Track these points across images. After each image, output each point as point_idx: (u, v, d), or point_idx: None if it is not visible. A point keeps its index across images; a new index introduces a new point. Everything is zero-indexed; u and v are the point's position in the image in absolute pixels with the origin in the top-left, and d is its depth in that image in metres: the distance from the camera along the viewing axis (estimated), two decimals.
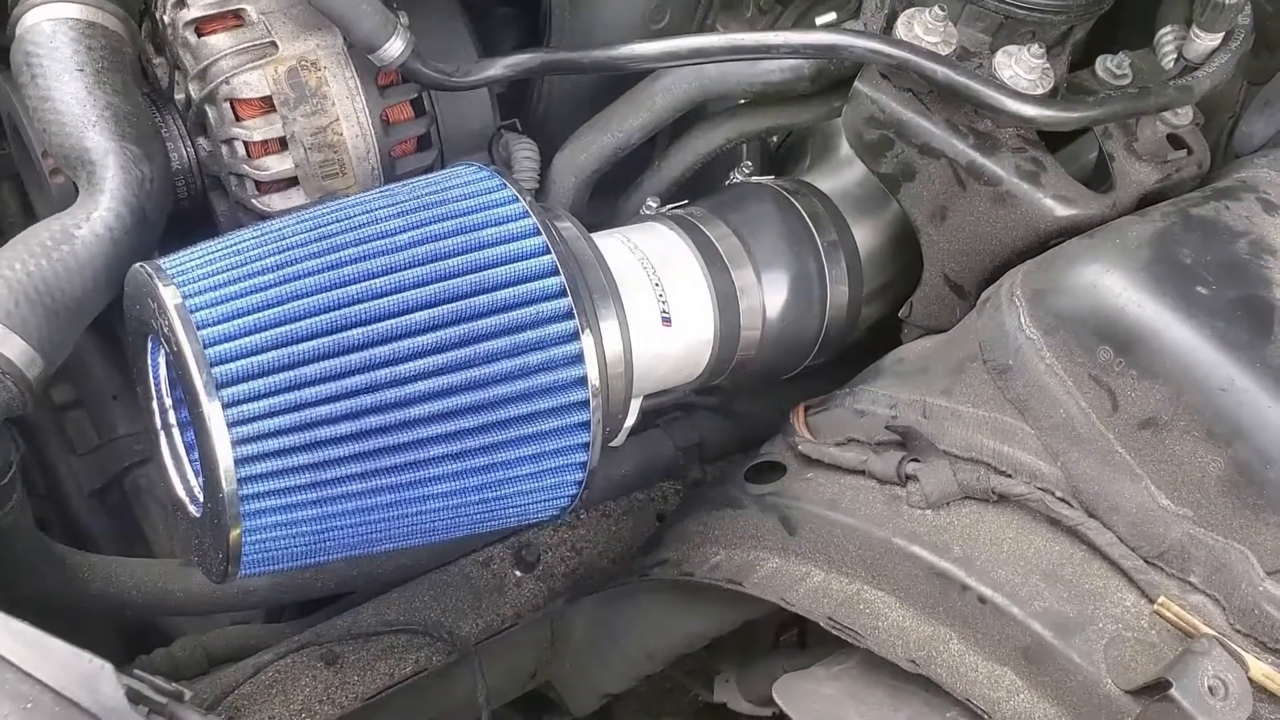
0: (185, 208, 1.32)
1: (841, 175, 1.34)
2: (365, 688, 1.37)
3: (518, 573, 1.48)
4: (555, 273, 1.04)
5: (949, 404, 1.13)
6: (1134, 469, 1.01)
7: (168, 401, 1.09)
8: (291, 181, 1.25)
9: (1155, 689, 0.91)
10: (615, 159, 1.34)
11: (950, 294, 1.21)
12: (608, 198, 1.47)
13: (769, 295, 1.25)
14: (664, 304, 1.18)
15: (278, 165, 1.24)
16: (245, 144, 1.23)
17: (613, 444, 1.26)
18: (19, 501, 1.16)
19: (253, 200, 1.25)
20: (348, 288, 0.98)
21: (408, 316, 0.99)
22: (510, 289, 1.02)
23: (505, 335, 1.01)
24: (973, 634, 1.04)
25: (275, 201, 1.26)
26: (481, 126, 1.36)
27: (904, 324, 1.30)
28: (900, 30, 1.10)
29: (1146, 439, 1.01)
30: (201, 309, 0.96)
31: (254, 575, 1.02)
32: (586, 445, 1.07)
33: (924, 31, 1.10)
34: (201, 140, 1.28)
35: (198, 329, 0.94)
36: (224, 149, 1.24)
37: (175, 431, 1.09)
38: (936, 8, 1.09)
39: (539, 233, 1.05)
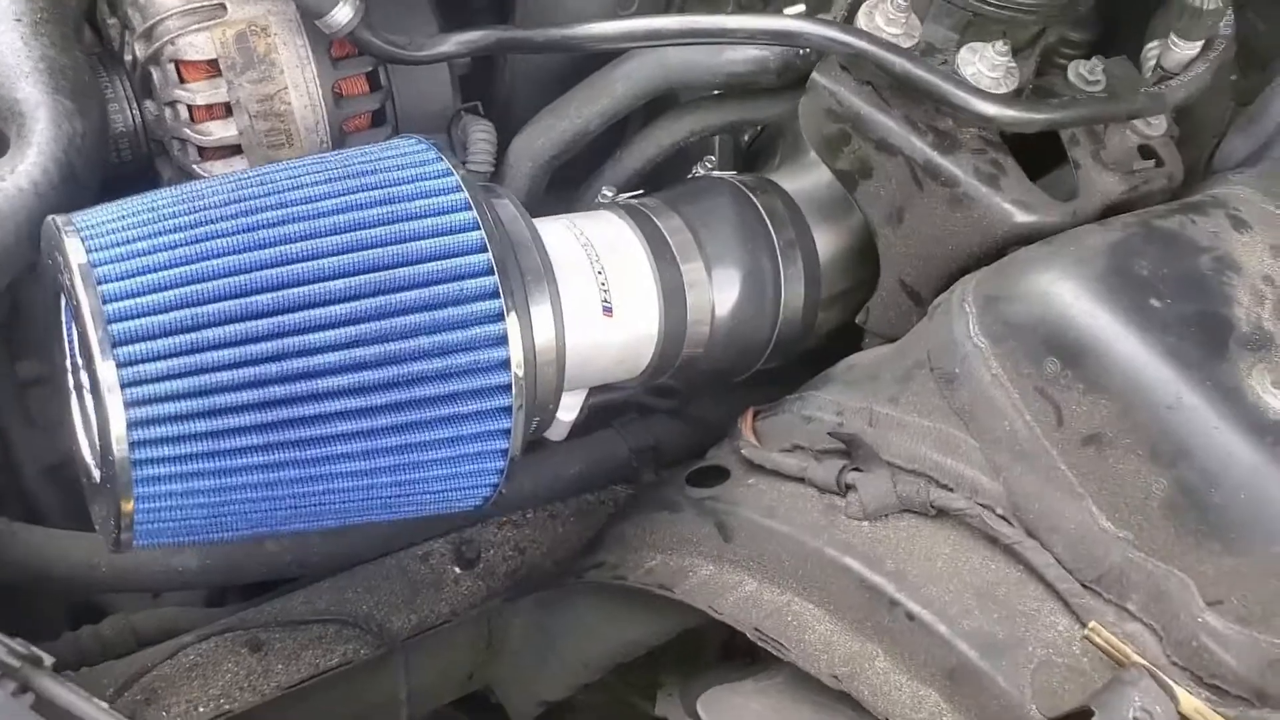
0: (131, 171, 1.28)
1: (808, 176, 1.29)
2: (289, 677, 1.32)
3: (456, 569, 1.43)
4: (483, 249, 1.00)
5: (895, 413, 1.08)
6: (1075, 487, 0.96)
7: (78, 361, 1.05)
8: (235, 149, 1.22)
9: (1078, 718, 0.86)
10: (575, 146, 1.30)
11: (907, 300, 1.17)
12: (571, 186, 1.43)
13: (719, 291, 1.20)
14: (605, 293, 1.14)
15: (221, 131, 1.20)
16: (189, 107, 1.19)
17: (552, 437, 1.23)
18: None
19: (194, 165, 1.22)
20: (261, 251, 0.94)
21: (322, 285, 0.95)
22: (434, 263, 0.98)
23: (425, 311, 0.97)
24: (900, 651, 0.99)
25: (217, 168, 1.22)
26: (440, 107, 1.32)
27: (866, 332, 1.25)
28: (861, 20, 1.06)
29: (1090, 456, 0.96)
30: (104, 264, 0.92)
31: (151, 545, 0.98)
32: (507, 432, 1.02)
33: (885, 22, 1.05)
34: (148, 103, 1.25)
35: (98, 284, 0.91)
36: (167, 111, 1.21)
37: (85, 393, 1.05)
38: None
39: (469, 207, 1.01)
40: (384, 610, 1.38)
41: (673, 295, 1.17)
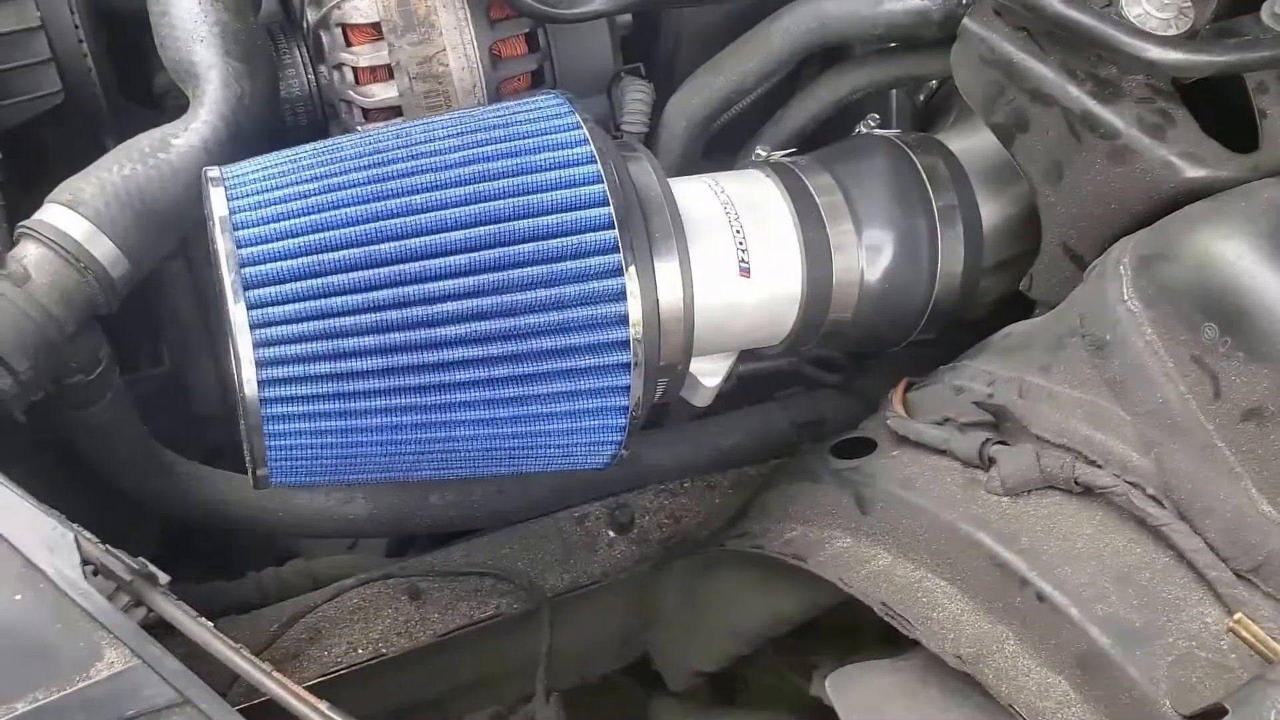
0: (306, 134, 1.34)
1: (977, 136, 1.22)
2: (444, 625, 1.36)
3: (611, 533, 1.44)
4: (604, 203, 0.99)
5: (1046, 383, 1.01)
6: (1233, 466, 0.87)
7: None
8: (396, 110, 1.25)
9: (1212, 716, 0.78)
10: (731, 104, 1.27)
11: (1070, 265, 1.09)
12: (732, 154, 1.40)
13: (869, 254, 1.15)
14: (743, 252, 1.11)
15: (382, 92, 1.24)
16: (353, 70, 1.24)
17: (696, 403, 1.21)
18: (114, 399, 1.21)
19: (358, 127, 1.26)
20: (387, 201, 0.97)
21: (444, 235, 0.96)
22: (553, 216, 0.98)
23: (543, 264, 0.97)
24: (1029, 635, 0.93)
25: None
26: (600, 67, 1.32)
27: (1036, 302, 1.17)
28: None
29: (1250, 432, 0.86)
30: (242, 211, 0.96)
31: (287, 483, 1.02)
32: (626, 388, 1.01)
33: None
34: (320, 68, 1.30)
35: (234, 230, 0.95)
36: (335, 75, 1.26)
37: None
38: None
39: (593, 160, 1.00)
40: (538, 568, 1.40)
41: (817, 257, 1.13)
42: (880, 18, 1.17)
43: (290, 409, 0.95)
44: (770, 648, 1.44)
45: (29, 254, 1.08)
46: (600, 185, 0.99)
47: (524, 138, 1.01)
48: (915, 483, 1.06)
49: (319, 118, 1.33)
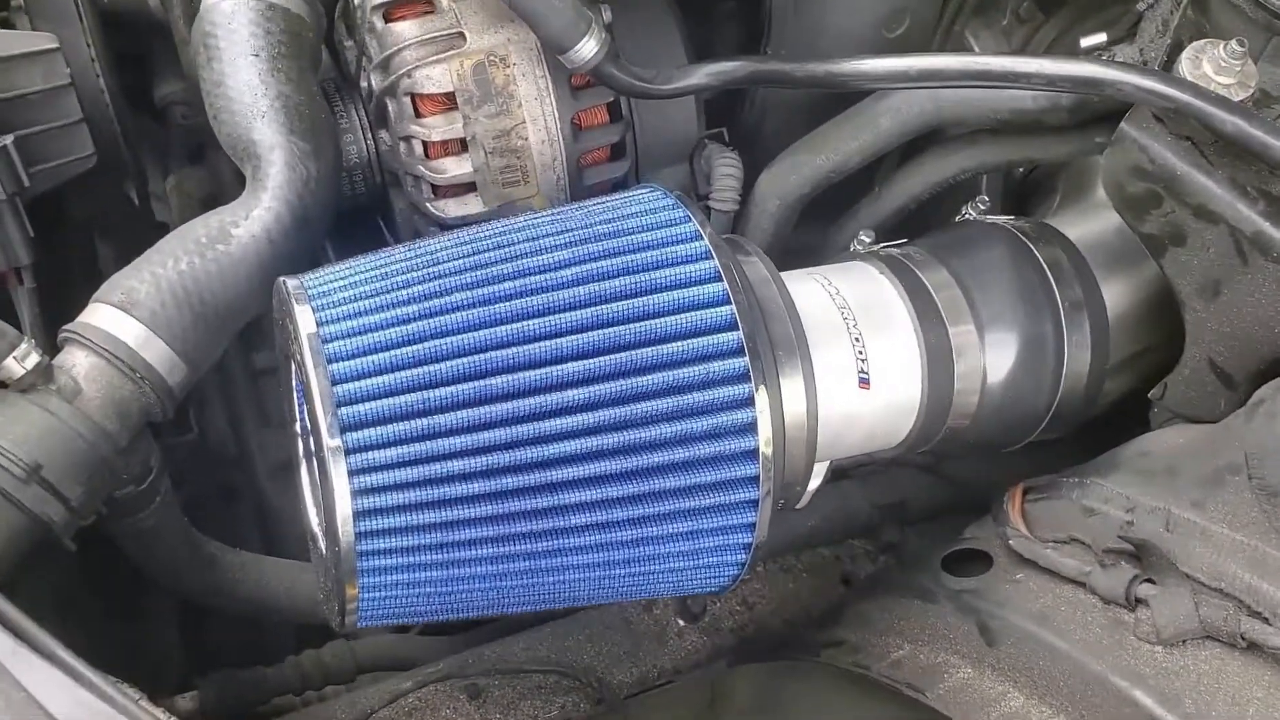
0: (365, 203, 1.24)
1: (1095, 221, 1.14)
2: None
3: (681, 622, 1.35)
4: (733, 327, 0.90)
5: (1200, 519, 0.94)
6: None
7: (307, 430, 1.01)
8: (469, 187, 1.15)
9: None
10: (828, 183, 1.18)
11: (1215, 381, 1.01)
12: (820, 220, 1.31)
13: (992, 358, 1.07)
14: (863, 362, 1.02)
15: (455, 169, 1.14)
16: (424, 143, 1.13)
17: (795, 506, 1.13)
18: (161, 504, 1.11)
19: (427, 204, 1.16)
20: (497, 328, 0.87)
21: (560, 366, 0.87)
22: (679, 343, 0.89)
23: (668, 395, 0.88)
24: None
25: (450, 207, 1.16)
26: (684, 136, 1.22)
27: (1155, 405, 1.10)
28: (1184, 67, 0.90)
29: None
30: (336, 339, 0.86)
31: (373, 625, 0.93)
32: (752, 526, 0.93)
33: (1215, 70, 0.89)
34: (383, 133, 1.19)
35: (328, 363, 0.85)
36: (401, 146, 1.15)
37: (313, 460, 1.01)
38: (1234, 42, 0.88)
39: (720, 278, 0.91)
40: (605, 662, 1.32)
41: (938, 362, 1.05)
42: (1004, 102, 1.08)
43: (387, 561, 0.86)
44: None
45: (78, 363, 0.97)
46: (728, 307, 0.90)
47: (640, 250, 0.92)
48: (1052, 618, 0.99)
49: (377, 184, 1.23)
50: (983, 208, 1.16)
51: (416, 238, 1.19)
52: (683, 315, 0.89)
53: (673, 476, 0.89)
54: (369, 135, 1.20)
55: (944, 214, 1.22)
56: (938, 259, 1.09)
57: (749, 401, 0.89)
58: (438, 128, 1.12)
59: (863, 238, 1.14)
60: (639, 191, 1.00)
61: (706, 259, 0.92)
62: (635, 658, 1.33)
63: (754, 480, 0.91)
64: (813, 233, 1.31)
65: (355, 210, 1.24)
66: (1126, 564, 0.97)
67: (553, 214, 0.97)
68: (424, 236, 1.18)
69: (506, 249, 0.92)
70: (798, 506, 1.12)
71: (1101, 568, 0.98)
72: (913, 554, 1.38)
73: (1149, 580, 0.95)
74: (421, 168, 1.14)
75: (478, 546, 0.87)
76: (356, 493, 0.84)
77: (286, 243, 1.05)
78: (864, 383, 1.02)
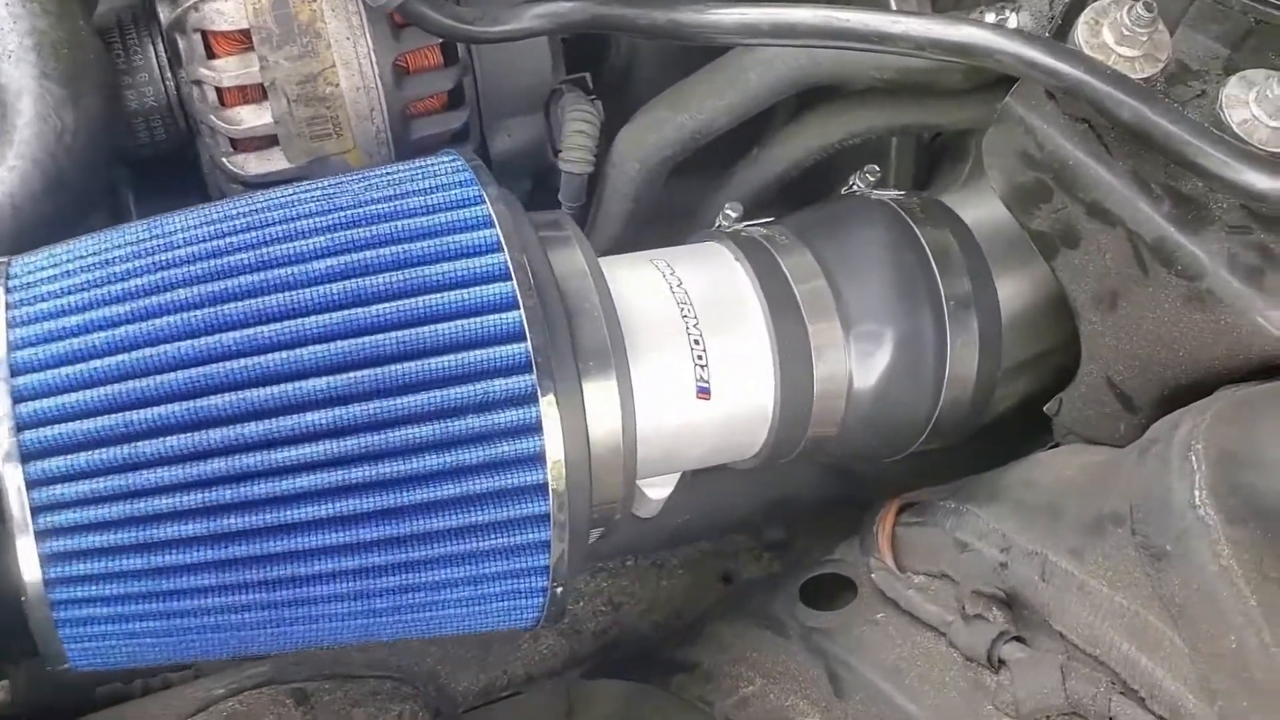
0: (168, 151, 1.08)
1: (996, 202, 0.98)
2: None
3: None
4: (519, 337, 0.74)
5: (1079, 571, 0.80)
6: None
7: None
8: (272, 140, 0.99)
9: None
10: (695, 145, 1.02)
11: (1114, 402, 0.86)
12: (703, 178, 1.14)
13: (859, 360, 0.92)
14: (703, 368, 0.87)
15: (253, 119, 0.98)
16: (216, 89, 0.97)
17: (641, 514, 0.99)
18: None
19: (224, 159, 1.00)
20: (225, 335, 0.72)
21: (300, 383, 0.72)
22: (451, 356, 0.74)
23: (436, 420, 0.73)
24: None
25: (251, 163, 1.00)
26: (535, 82, 1.05)
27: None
28: (1081, 34, 0.73)
29: None
30: (27, 346, 0.71)
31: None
32: (546, 570, 0.79)
33: (1116, 39, 0.73)
34: (182, 72, 1.03)
35: (12, 375, 0.70)
36: (194, 91, 0.99)
37: None
38: (1141, 5, 0.71)
39: (508, 275, 0.75)
40: (449, 666, 1.19)
41: (794, 365, 0.90)
42: (889, 61, 0.91)
43: (90, 611, 0.72)
44: None
45: None
46: (514, 313, 0.75)
47: (415, 238, 0.76)
48: (906, 675, 0.85)
49: (181, 131, 1.06)
50: (871, 179, 0.99)
51: (222, 197, 1.04)
52: (458, 322, 0.74)
53: (442, 516, 0.74)
54: (168, 75, 1.04)
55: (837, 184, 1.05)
56: (804, 242, 0.93)
57: (534, 427, 0.74)
58: (230, 71, 0.96)
59: (728, 212, 0.98)
60: (434, 161, 0.84)
61: (494, 251, 0.76)
62: (484, 662, 1.20)
63: (544, 519, 0.76)
64: (697, 190, 1.15)
65: (159, 161, 1.08)
66: (997, 612, 0.83)
67: (325, 186, 0.81)
68: (227, 196, 1.03)
69: (253, 233, 0.76)
70: (646, 517, 0.99)
71: (964, 620, 0.84)
72: (800, 554, 1.24)
73: (1017, 638, 0.82)
74: (214, 117, 0.98)
75: (201, 596, 0.73)
76: (42, 533, 0.69)
77: (35, 208, 0.89)
78: (703, 392, 0.87)
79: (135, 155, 1.07)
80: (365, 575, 0.75)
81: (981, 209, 0.97)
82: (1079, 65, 0.70)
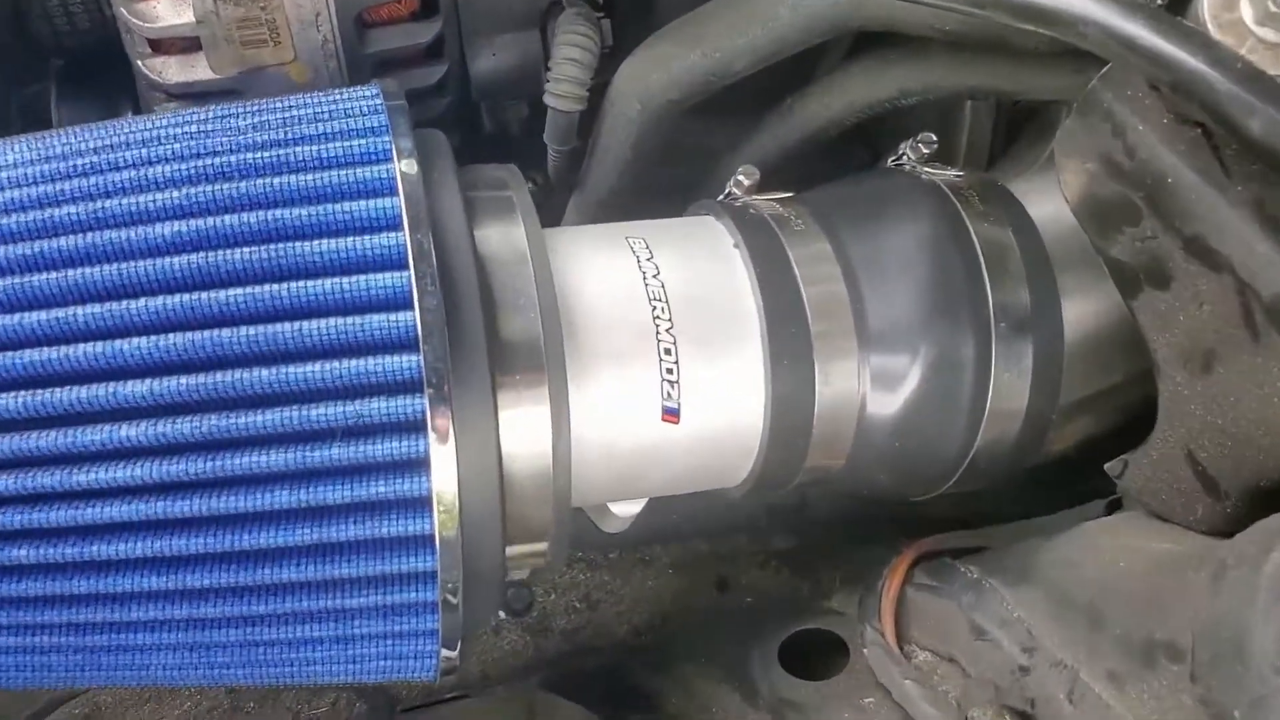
0: (92, 44, 0.91)
1: None
2: None
3: (500, 613, 1.07)
4: (410, 346, 0.57)
5: (1115, 702, 0.62)
6: None
7: None
8: (195, 44, 0.82)
9: None
10: (708, 89, 0.82)
11: (1193, 480, 0.66)
12: (735, 116, 0.94)
13: (876, 383, 0.73)
14: (672, 385, 0.69)
15: (171, 15, 0.80)
16: None
17: (609, 530, 0.83)
18: None
19: (141, 62, 0.83)
20: (28, 314, 0.56)
21: (118, 385, 0.56)
22: (318, 364, 0.57)
23: (294, 446, 0.57)
24: None
25: (171, 70, 0.83)
26: None
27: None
28: (1207, 9, 0.52)
29: None
30: None
31: None
32: (433, 633, 0.63)
33: (1257, 19, 0.52)
34: None
35: None
36: None
37: None
38: None
39: (404, 263, 0.58)
40: None
41: (791, 385, 0.71)
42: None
43: None
44: None
45: None
46: (407, 314, 0.57)
47: (302, 202, 0.59)
48: None
49: (108, 23, 0.90)
50: (925, 151, 0.79)
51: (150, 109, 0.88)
52: (331, 320, 0.57)
53: (296, 566, 0.59)
54: None
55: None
56: (823, 228, 0.74)
57: (420, 462, 0.58)
58: None
59: (740, 178, 0.78)
60: (348, 96, 0.66)
61: (392, 229, 0.59)
62: None
63: (428, 576, 0.60)
64: (721, 135, 0.95)
65: (85, 57, 0.92)
66: None
67: (205, 119, 0.64)
68: (152, 107, 0.87)
69: (92, 179, 0.60)
70: (612, 531, 0.83)
71: None
72: (805, 568, 1.07)
73: None
74: (126, 11, 0.81)
75: (38, 633, 0.59)
76: None
77: None
78: (670, 414, 0.70)
79: (58, 46, 0.91)
80: (199, 627, 0.60)
81: (1056, 203, 0.76)
82: (1198, 51, 0.49)
